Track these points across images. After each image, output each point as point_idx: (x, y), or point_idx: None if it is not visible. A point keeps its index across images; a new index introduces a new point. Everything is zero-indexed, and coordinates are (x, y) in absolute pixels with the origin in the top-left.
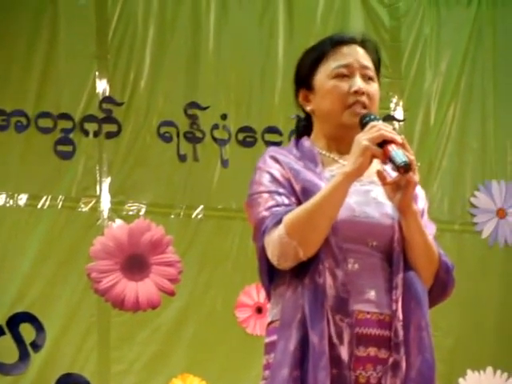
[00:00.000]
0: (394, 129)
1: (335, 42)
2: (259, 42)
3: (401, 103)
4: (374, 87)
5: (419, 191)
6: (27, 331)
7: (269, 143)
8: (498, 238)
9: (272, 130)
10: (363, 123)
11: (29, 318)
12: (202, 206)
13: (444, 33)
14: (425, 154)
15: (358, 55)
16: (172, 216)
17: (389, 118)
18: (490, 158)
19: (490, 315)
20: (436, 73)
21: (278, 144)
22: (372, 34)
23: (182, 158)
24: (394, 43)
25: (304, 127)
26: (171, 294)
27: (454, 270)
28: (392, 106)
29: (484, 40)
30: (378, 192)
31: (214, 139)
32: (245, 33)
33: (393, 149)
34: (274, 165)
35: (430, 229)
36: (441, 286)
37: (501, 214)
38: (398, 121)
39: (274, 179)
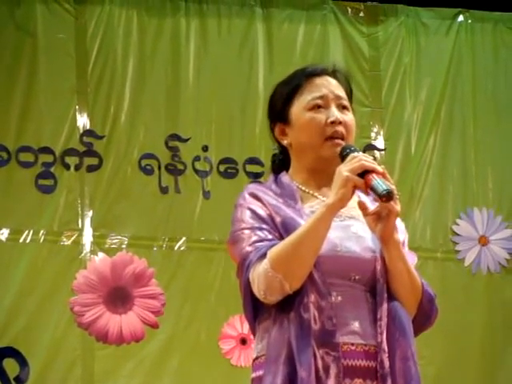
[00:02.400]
0: (375, 158)
1: (308, 74)
2: (239, 73)
3: (381, 132)
4: (349, 116)
5: (399, 224)
6: (11, 366)
7: (250, 174)
8: (481, 265)
9: (253, 160)
10: (343, 155)
11: (12, 352)
12: (184, 238)
13: (423, 61)
14: (406, 183)
15: (332, 86)
16: (154, 248)
17: (370, 148)
18: (471, 185)
19: (474, 343)
20: (416, 101)
21: (259, 175)
22: (352, 63)
23: (164, 191)
24: (374, 72)
25: (281, 161)
26: (155, 326)
27: (437, 298)
28: (373, 135)
29: (463, 68)
30: (358, 227)
31: (196, 171)
32: (225, 64)
33: (374, 178)
34: (254, 201)
35: (411, 259)
36: (424, 316)
37: (483, 241)
38: (379, 150)
39: (255, 215)
